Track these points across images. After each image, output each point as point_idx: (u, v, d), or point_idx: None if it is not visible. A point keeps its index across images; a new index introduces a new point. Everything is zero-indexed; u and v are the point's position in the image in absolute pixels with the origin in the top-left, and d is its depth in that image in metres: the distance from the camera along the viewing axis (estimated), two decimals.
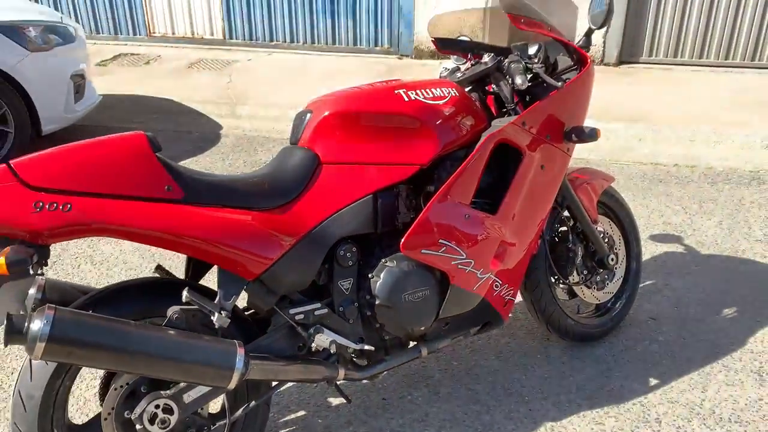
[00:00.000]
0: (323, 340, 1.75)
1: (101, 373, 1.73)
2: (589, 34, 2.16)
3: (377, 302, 1.82)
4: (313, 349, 1.78)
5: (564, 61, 2.21)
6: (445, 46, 2.30)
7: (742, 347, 2.46)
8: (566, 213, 2.34)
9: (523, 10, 2.04)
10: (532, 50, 2.08)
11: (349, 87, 1.95)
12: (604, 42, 5.99)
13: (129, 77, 5.90)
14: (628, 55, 6.08)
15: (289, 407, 2.16)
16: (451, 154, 1.92)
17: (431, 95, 1.90)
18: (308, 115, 1.83)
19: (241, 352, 1.56)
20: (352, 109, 1.79)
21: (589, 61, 2.13)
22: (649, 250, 3.12)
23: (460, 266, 1.88)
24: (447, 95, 1.93)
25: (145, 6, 6.83)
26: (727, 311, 2.68)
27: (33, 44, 3.83)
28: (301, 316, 1.76)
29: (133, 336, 1.45)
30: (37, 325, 1.36)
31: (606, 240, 2.40)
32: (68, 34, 4.12)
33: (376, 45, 6.56)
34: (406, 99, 1.84)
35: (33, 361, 1.56)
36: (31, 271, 1.43)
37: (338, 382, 1.88)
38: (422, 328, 1.90)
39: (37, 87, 3.85)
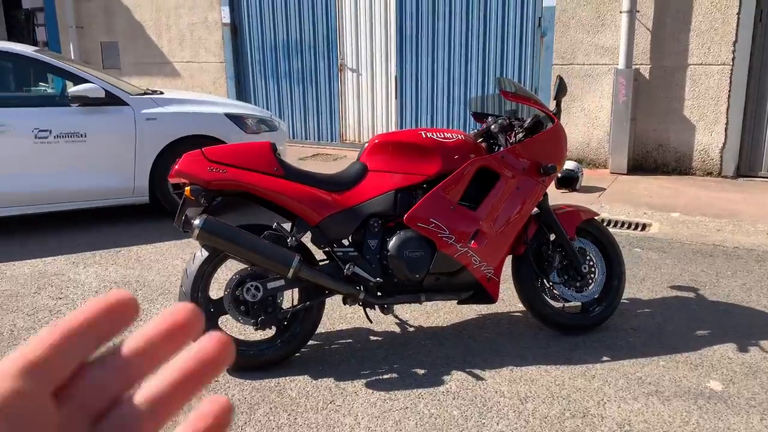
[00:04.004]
0: (352, 270, 2.92)
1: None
2: (557, 104, 3.21)
3: (389, 254, 2.95)
4: (347, 276, 2.94)
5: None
6: (476, 116, 3.48)
7: (695, 351, 3.10)
8: (552, 236, 3.29)
9: (516, 89, 3.18)
10: (525, 117, 3.19)
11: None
12: (722, 156, 6.57)
13: (318, 167, 7.70)
14: (747, 168, 6.57)
15: (341, 336, 3.30)
16: (453, 172, 3.05)
17: (443, 136, 3.08)
18: (366, 144, 3.11)
19: (298, 257, 2.79)
20: (388, 139, 3.04)
21: (556, 121, 3.16)
22: (661, 294, 3.81)
23: (444, 238, 2.96)
24: (454, 137, 3.10)
25: (341, 120, 8.82)
26: (701, 332, 3.31)
27: (249, 129, 5.66)
28: (341, 254, 2.96)
29: (242, 235, 2.77)
30: (197, 221, 2.75)
31: (586, 255, 3.28)
32: (273, 125, 5.95)
33: None
34: (424, 136, 3.05)
35: (195, 254, 2.93)
36: (202, 202, 2.84)
37: (367, 310, 3.03)
38: (417, 276, 2.97)
39: None
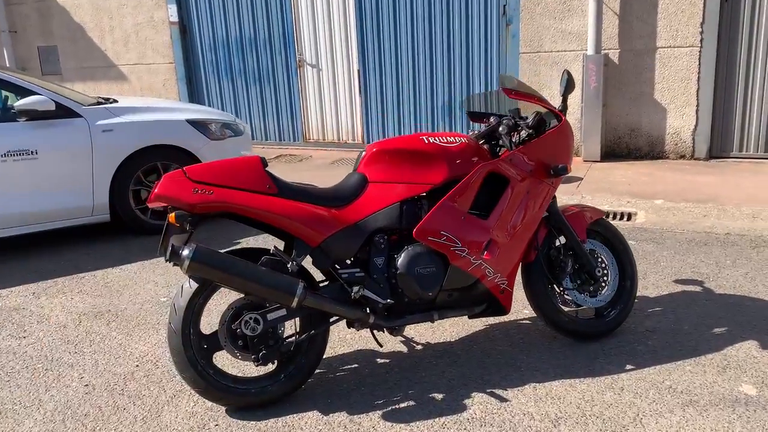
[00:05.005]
0: (361, 293, 2.66)
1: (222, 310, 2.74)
2: (564, 100, 3.01)
3: (398, 272, 2.71)
4: (355, 299, 2.69)
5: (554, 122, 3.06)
6: (473, 116, 3.25)
7: (718, 351, 2.97)
8: (562, 239, 3.10)
9: (518, 86, 2.96)
10: (528, 115, 2.98)
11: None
12: (693, 138, 6.55)
13: (285, 169, 7.39)
14: (719, 150, 6.57)
15: (346, 361, 3.05)
16: (460, 179, 2.82)
17: (446, 140, 2.85)
18: (363, 152, 2.85)
19: (301, 284, 2.52)
20: (388, 147, 2.79)
21: (563, 119, 2.97)
22: (667, 289, 3.68)
23: (456, 251, 2.73)
24: (457, 141, 2.86)
25: (303, 118, 8.49)
26: (718, 330, 3.18)
27: (213, 135, 5.31)
28: (346, 275, 2.70)
29: (238, 264, 2.48)
30: (186, 251, 2.44)
31: (597, 257, 3.11)
32: (238, 129, 5.60)
33: None
34: (426, 142, 2.81)
35: (183, 286, 2.62)
36: (188, 228, 2.53)
37: (375, 332, 2.78)
38: (430, 294, 2.74)
39: None
